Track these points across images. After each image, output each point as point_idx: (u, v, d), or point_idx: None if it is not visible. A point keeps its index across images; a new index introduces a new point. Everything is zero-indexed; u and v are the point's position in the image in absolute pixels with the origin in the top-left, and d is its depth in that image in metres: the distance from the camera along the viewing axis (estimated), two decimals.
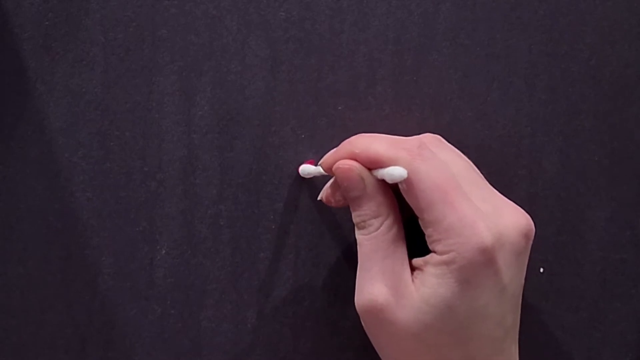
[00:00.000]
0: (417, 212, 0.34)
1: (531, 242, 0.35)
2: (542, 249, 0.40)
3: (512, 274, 0.33)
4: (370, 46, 0.40)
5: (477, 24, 0.40)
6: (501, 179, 0.40)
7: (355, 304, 0.35)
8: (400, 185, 0.33)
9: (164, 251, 0.39)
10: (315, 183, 0.39)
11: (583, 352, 0.40)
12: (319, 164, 0.37)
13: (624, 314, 0.40)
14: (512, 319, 0.35)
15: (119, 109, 0.39)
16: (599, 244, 0.40)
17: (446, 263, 0.32)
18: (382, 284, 0.34)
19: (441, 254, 0.33)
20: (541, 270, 0.40)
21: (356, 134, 0.36)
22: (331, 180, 0.37)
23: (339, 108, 0.40)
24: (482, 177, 0.36)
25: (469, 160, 0.36)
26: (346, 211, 0.39)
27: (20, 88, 0.39)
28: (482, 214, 0.33)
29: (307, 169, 0.38)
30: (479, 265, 0.32)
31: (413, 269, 0.34)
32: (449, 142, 0.37)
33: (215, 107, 0.39)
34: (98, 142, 0.39)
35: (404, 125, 0.40)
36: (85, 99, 0.39)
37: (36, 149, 0.39)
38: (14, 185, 0.39)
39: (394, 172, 0.33)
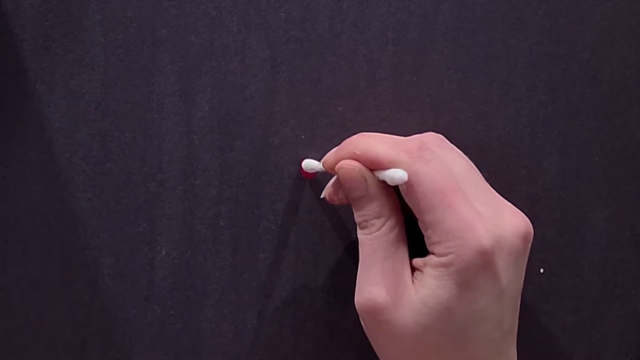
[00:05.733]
0: (416, 214, 0.34)
1: (530, 245, 0.35)
2: (542, 250, 0.40)
3: (510, 276, 0.33)
4: (370, 46, 0.40)
5: (477, 24, 0.40)
6: (501, 179, 0.40)
7: (355, 303, 0.35)
8: (400, 187, 0.33)
9: (164, 252, 0.39)
10: (316, 183, 0.39)
11: (583, 352, 0.40)
12: (320, 162, 0.37)
13: (624, 315, 0.40)
14: (511, 321, 0.35)
15: (119, 109, 0.39)
16: (599, 244, 0.40)
17: (445, 265, 0.32)
18: (382, 284, 0.34)
19: (440, 256, 0.33)
20: (541, 270, 0.40)
21: (356, 134, 0.36)
22: (333, 179, 0.37)
23: (339, 108, 0.40)
24: (482, 178, 0.36)
25: (469, 161, 0.36)
26: (347, 212, 0.39)
27: (20, 88, 0.39)
28: (481, 216, 0.33)
29: (310, 164, 0.38)
30: (478, 268, 0.32)
31: (413, 269, 0.34)
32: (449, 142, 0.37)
33: (215, 108, 0.39)
34: (98, 142, 0.39)
35: (404, 125, 0.40)
36: (85, 99, 0.39)
37: (36, 149, 0.39)
38: (14, 185, 0.39)
39: (394, 175, 0.33)
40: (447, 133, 0.38)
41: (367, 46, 0.40)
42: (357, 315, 0.35)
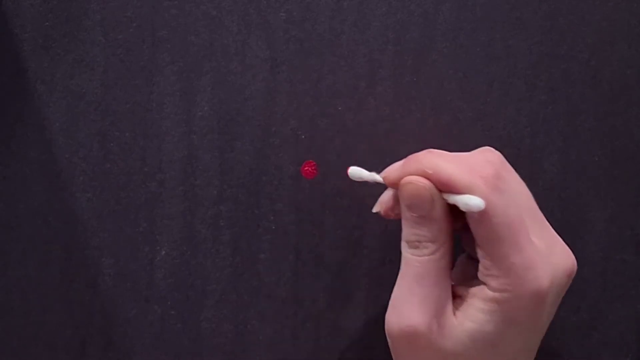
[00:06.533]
0: (479, 243, 0.32)
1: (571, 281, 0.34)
2: None
3: (552, 311, 0.34)
4: (370, 46, 0.40)
5: (477, 24, 0.40)
6: None
7: (390, 324, 0.34)
8: (471, 214, 0.32)
9: (164, 252, 0.39)
10: (316, 184, 0.39)
11: (583, 352, 0.40)
12: (381, 175, 0.35)
13: (624, 315, 0.40)
14: (537, 348, 0.35)
15: (119, 109, 0.39)
16: (599, 244, 0.40)
17: (498, 301, 0.32)
18: (425, 311, 0.33)
19: (495, 290, 0.32)
20: None
21: (356, 134, 0.36)
22: (390, 193, 0.36)
23: (339, 108, 0.40)
24: (538, 207, 0.35)
25: (528, 189, 0.35)
26: (346, 213, 0.39)
27: (20, 88, 0.39)
28: (540, 255, 0.32)
29: (358, 173, 0.36)
30: (531, 308, 0.32)
31: (453, 296, 0.34)
32: (448, 142, 0.37)
33: (215, 107, 0.39)
34: (98, 142, 0.39)
35: (404, 125, 0.40)
36: (85, 99, 0.39)
37: (36, 149, 0.39)
38: (14, 185, 0.39)
39: (471, 202, 0.31)
40: (447, 133, 0.38)
41: (367, 46, 0.40)
42: (357, 315, 0.35)
